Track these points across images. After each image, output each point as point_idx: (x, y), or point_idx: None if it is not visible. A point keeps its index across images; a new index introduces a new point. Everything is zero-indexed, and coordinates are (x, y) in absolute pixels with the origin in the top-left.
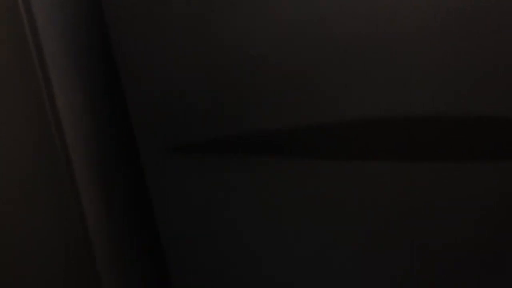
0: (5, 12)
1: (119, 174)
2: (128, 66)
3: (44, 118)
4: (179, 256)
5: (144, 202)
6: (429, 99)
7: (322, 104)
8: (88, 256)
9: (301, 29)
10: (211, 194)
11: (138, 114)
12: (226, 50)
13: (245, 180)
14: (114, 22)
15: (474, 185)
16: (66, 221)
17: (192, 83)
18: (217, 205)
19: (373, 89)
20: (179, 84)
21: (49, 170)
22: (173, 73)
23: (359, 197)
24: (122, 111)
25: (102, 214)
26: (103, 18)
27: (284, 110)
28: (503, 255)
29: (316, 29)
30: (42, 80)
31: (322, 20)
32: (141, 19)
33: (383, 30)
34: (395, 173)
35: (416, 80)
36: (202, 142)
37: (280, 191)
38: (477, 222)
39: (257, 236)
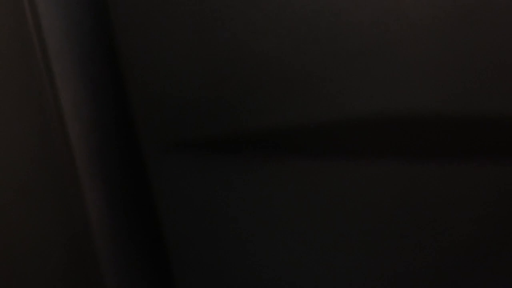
0: (10, 11)
1: (121, 173)
2: (130, 64)
3: (47, 116)
4: (183, 254)
5: (146, 201)
6: (431, 99)
7: (322, 104)
8: (91, 255)
9: (303, 28)
10: (214, 192)
11: (140, 112)
12: (228, 48)
13: (245, 179)
14: (117, 20)
15: (474, 185)
16: (69, 219)
17: (195, 81)
18: (220, 204)
19: (374, 89)
20: (181, 82)
21: (51, 169)
22: (175, 71)
23: (359, 196)
24: (124, 109)
25: (104, 213)
26: (106, 16)
27: (286, 109)
28: (503, 255)
29: (316, 28)
30: (46, 77)
31: (322, 18)
32: (144, 16)
33: (384, 28)
34: (395, 172)
35: (416, 80)
36: (205, 140)
37: (282, 189)
38: (477, 222)
39: (259, 235)
